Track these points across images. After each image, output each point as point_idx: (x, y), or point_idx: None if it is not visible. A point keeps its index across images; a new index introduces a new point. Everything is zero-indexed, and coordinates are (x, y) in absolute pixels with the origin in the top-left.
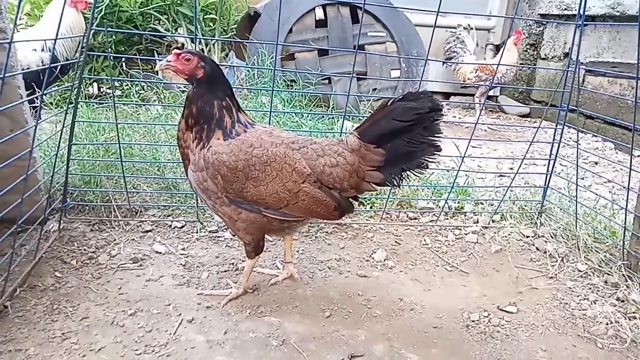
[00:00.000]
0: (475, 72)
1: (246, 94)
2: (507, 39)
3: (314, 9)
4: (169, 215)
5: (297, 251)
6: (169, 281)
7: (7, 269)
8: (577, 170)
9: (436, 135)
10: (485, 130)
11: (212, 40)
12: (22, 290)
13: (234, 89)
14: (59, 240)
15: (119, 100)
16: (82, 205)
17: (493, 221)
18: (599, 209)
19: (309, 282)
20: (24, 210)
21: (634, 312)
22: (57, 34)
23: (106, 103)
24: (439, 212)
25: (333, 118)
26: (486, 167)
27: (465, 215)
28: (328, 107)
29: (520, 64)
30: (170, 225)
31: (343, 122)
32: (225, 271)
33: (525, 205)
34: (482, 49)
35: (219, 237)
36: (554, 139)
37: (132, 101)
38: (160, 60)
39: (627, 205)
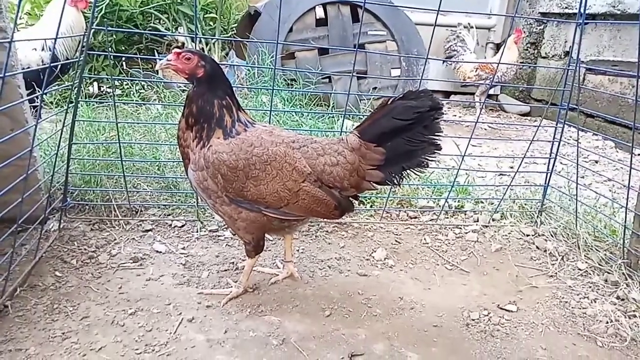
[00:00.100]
0: (476, 71)
1: (246, 93)
2: (507, 37)
3: (314, 7)
4: (169, 215)
5: (297, 250)
6: (169, 280)
7: (7, 268)
8: (577, 169)
9: (436, 134)
10: (486, 129)
11: (212, 39)
12: (22, 289)
13: (234, 88)
14: (59, 240)
15: (119, 100)
16: (82, 204)
17: (493, 220)
18: (599, 208)
19: (309, 281)
20: (24, 210)
21: (634, 311)
22: (57, 33)
23: (106, 102)
24: (439, 211)
25: (333, 117)
26: (486, 166)
27: (465, 214)
28: (328, 106)
29: (521, 62)
30: (171, 225)
31: (343, 121)
32: (226, 270)
33: (525, 204)
34: (482, 48)
35: (219, 236)
36: (554, 138)
37: (133, 100)
38: (160, 59)
39: (627, 204)
